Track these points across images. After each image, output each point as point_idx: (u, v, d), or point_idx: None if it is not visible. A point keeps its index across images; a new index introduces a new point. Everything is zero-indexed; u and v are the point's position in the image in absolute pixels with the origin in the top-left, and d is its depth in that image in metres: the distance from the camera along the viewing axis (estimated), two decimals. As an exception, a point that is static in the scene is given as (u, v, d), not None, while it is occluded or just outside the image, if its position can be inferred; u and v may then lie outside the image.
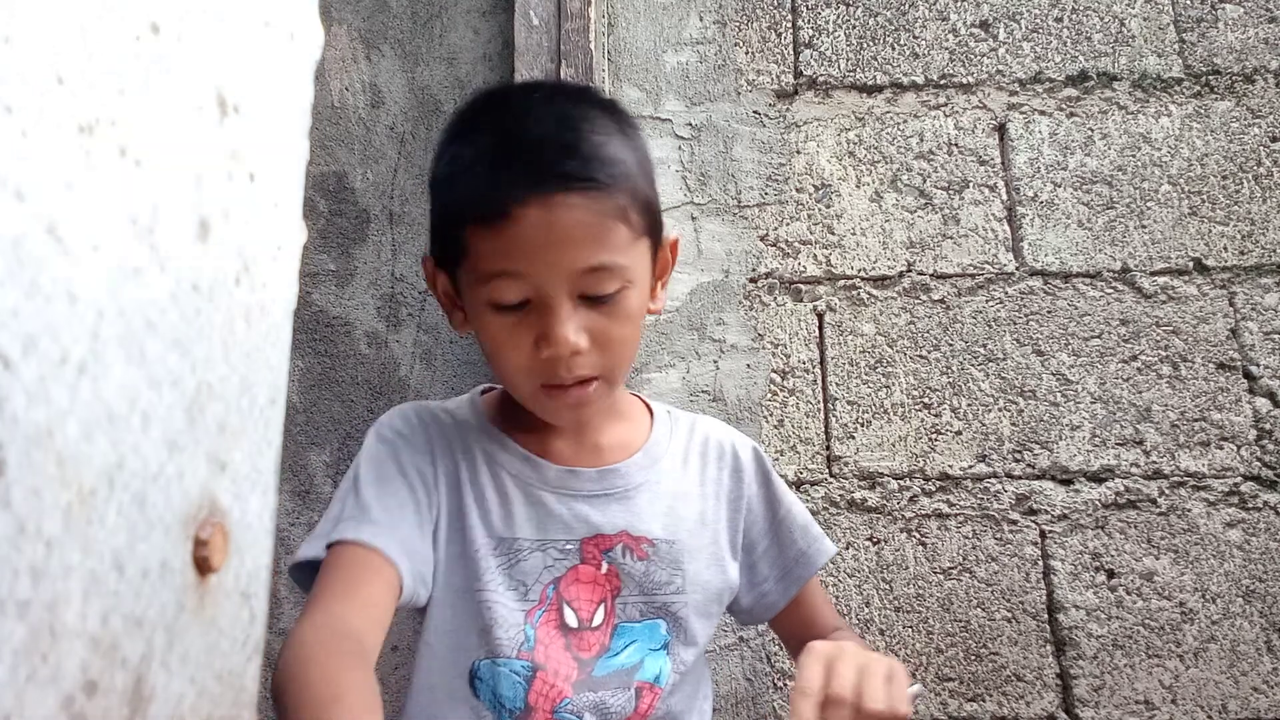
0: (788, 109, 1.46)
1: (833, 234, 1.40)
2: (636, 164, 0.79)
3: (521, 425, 0.89)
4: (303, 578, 0.80)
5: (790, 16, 1.50)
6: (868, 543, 1.28)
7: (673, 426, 0.95)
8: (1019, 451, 1.31)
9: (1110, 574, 1.26)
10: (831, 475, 1.31)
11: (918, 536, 1.28)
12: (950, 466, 1.30)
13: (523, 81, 0.87)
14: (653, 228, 0.82)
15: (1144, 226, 1.39)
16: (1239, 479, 1.29)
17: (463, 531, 0.83)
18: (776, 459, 1.31)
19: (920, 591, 1.26)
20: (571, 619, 0.83)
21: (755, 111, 1.46)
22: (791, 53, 1.48)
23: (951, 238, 1.40)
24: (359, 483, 0.81)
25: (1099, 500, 1.28)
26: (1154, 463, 1.30)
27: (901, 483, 1.30)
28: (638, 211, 0.78)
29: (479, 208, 0.74)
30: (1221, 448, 1.30)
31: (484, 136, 0.77)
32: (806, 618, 0.95)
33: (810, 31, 1.49)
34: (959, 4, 1.49)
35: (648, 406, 0.97)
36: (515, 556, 0.83)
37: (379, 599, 0.75)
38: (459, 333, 0.86)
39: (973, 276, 1.38)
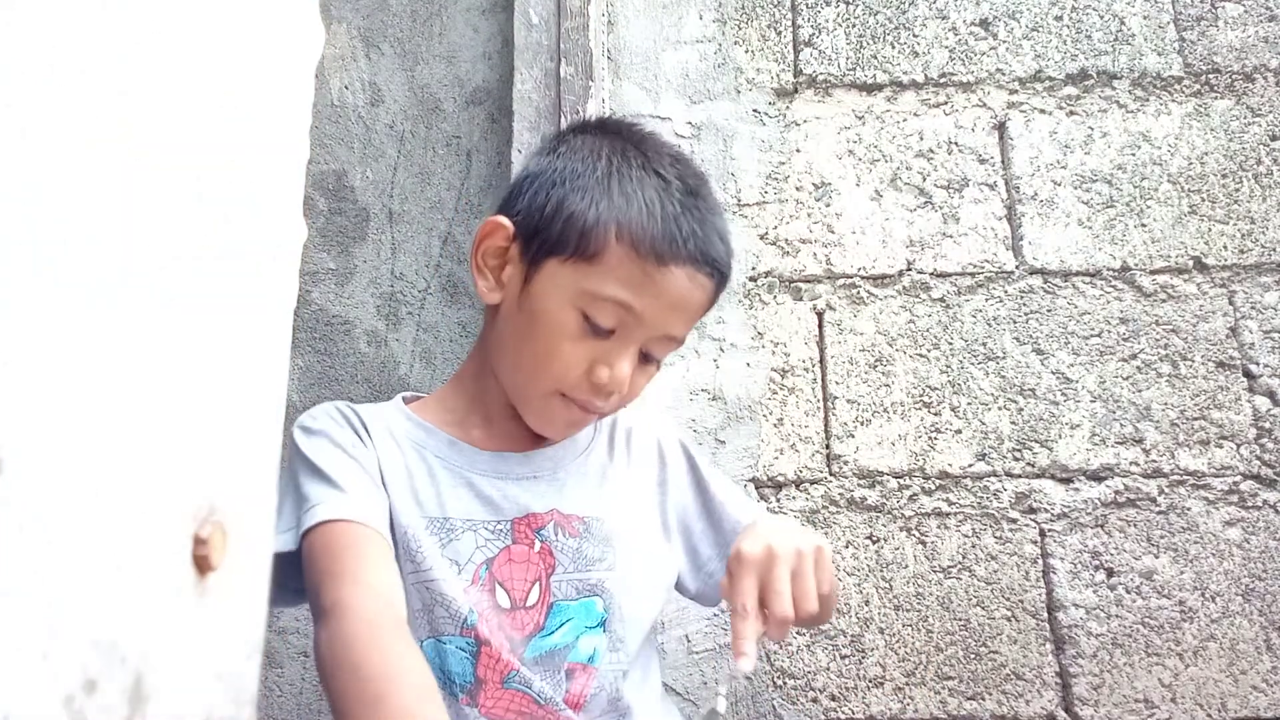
0: (787, 107, 1.46)
1: (832, 233, 1.40)
2: None
3: (446, 420, 0.92)
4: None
5: (790, 15, 1.50)
6: (867, 541, 1.28)
7: (597, 419, 0.98)
8: (1018, 450, 1.31)
9: (1110, 572, 1.26)
10: (831, 474, 1.31)
11: (917, 535, 1.28)
12: (950, 465, 1.30)
13: (640, 129, 0.95)
14: None
15: (1144, 225, 1.39)
16: (1238, 478, 1.29)
17: (391, 515, 0.84)
18: (776, 458, 1.31)
19: (920, 590, 1.26)
20: (504, 599, 0.84)
21: (755, 110, 1.46)
22: (791, 51, 1.48)
23: (951, 236, 1.40)
24: (316, 469, 0.82)
25: (1098, 499, 1.29)
26: (1153, 461, 1.30)
27: (901, 481, 1.30)
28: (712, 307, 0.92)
29: (651, 242, 0.81)
30: (1221, 446, 1.30)
31: (667, 179, 0.85)
32: None
33: (810, 30, 1.49)
34: (959, 2, 1.49)
35: None
36: (449, 535, 0.84)
37: (393, 568, 0.78)
38: (485, 299, 0.89)
39: (972, 275, 1.38)
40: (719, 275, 0.86)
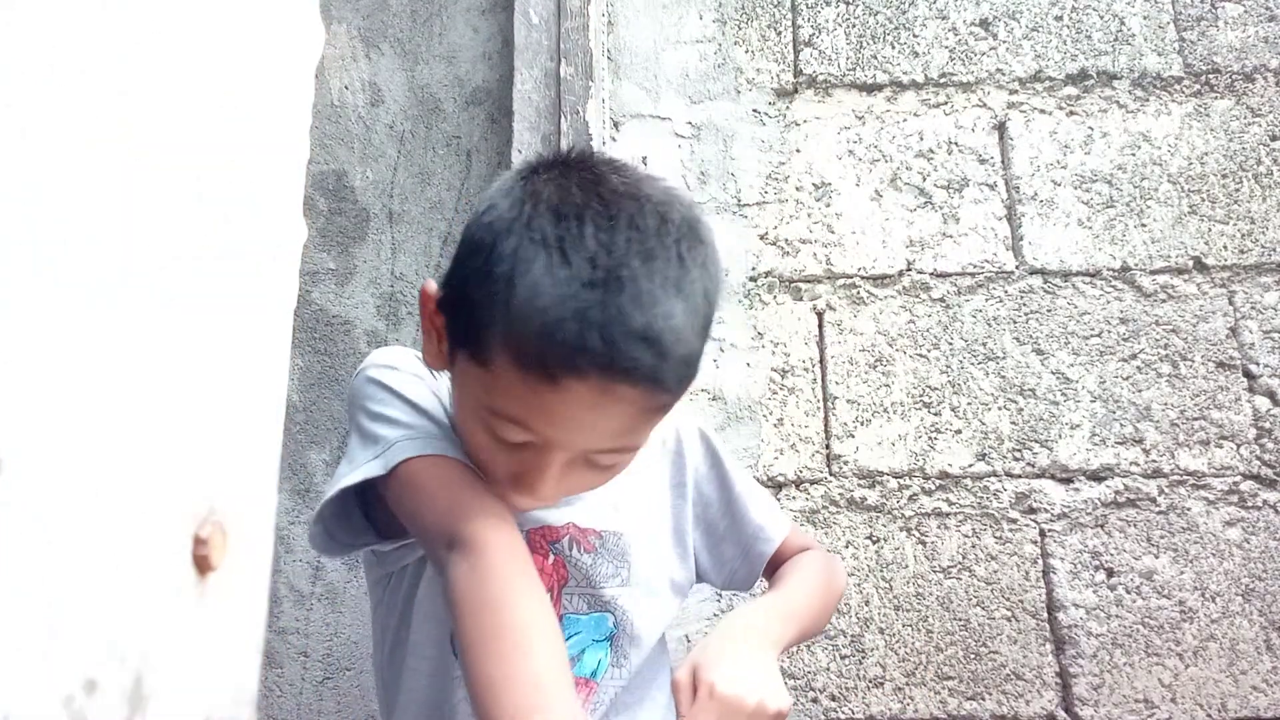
0: (788, 107, 1.46)
1: (832, 233, 1.40)
2: (703, 340, 0.70)
3: None
4: (324, 522, 0.79)
5: (790, 15, 1.50)
6: (867, 541, 1.28)
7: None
8: (1018, 450, 1.31)
9: (1110, 573, 1.26)
10: (831, 474, 1.31)
11: (917, 535, 1.28)
12: (950, 465, 1.30)
13: (610, 167, 0.71)
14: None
15: (1144, 225, 1.39)
16: (1238, 478, 1.29)
17: None
18: (776, 458, 1.31)
19: (920, 590, 1.26)
20: None
21: (755, 110, 1.46)
22: (791, 51, 1.48)
23: (951, 236, 1.40)
24: (412, 404, 0.79)
25: (1098, 499, 1.29)
26: (1153, 461, 1.30)
27: (901, 481, 1.30)
28: (680, 397, 0.71)
29: (535, 352, 0.63)
30: (1221, 446, 1.30)
31: (571, 255, 0.63)
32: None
33: (810, 30, 1.49)
34: (959, 2, 1.49)
35: None
36: None
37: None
38: (432, 367, 0.78)
39: (972, 275, 1.38)
40: (650, 381, 0.64)
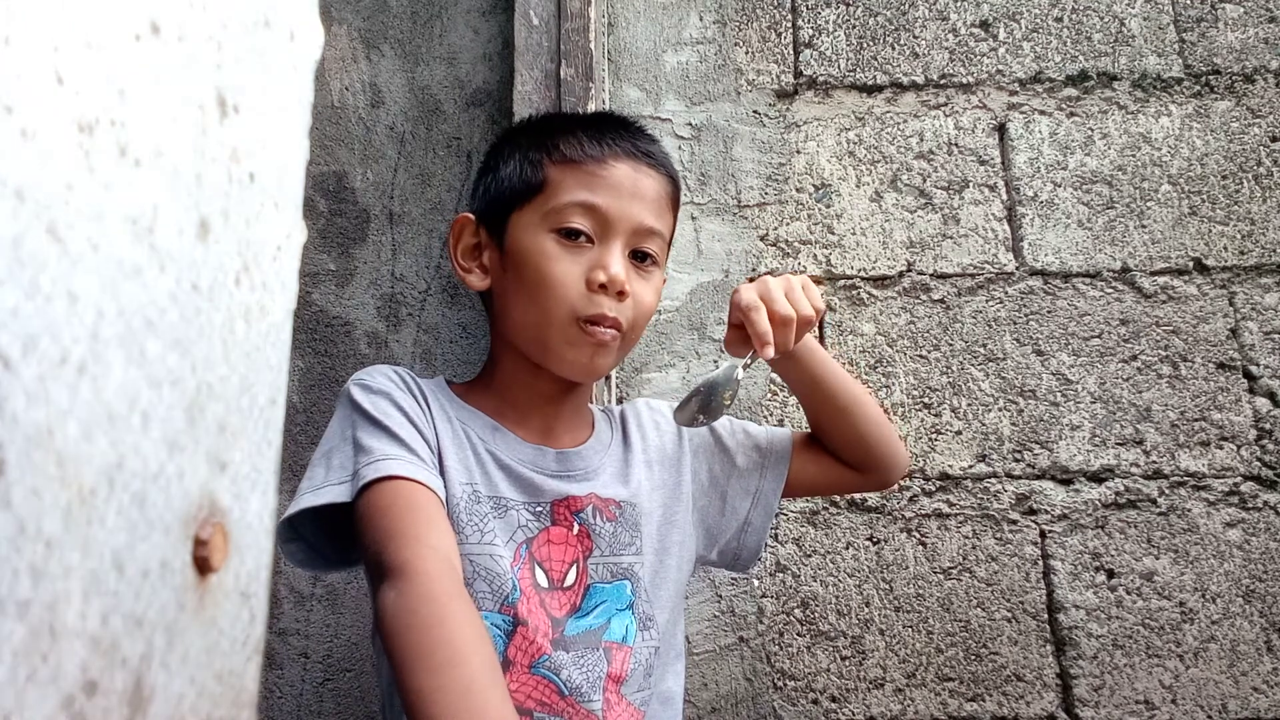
0: (788, 109, 1.46)
1: (832, 234, 1.40)
2: (678, 184, 1.00)
3: (487, 407, 0.93)
4: (292, 530, 0.83)
5: (790, 16, 1.50)
6: (868, 543, 1.28)
7: (609, 416, 1.03)
8: (1019, 451, 1.31)
9: (1110, 574, 1.26)
10: (831, 475, 1.30)
11: (918, 536, 1.28)
12: (950, 466, 1.30)
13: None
14: (671, 236, 0.99)
15: (1144, 226, 1.39)
16: (1239, 479, 1.29)
17: (445, 485, 0.85)
18: (776, 459, 1.31)
19: (920, 591, 1.26)
20: (542, 579, 0.85)
21: (755, 111, 1.46)
22: (791, 52, 1.48)
23: (951, 237, 1.40)
24: (379, 424, 0.82)
25: (1099, 500, 1.28)
26: (1154, 462, 1.30)
27: (901, 482, 1.30)
28: (675, 212, 0.97)
29: (578, 150, 0.89)
30: (1221, 447, 1.30)
31: (580, 115, 0.98)
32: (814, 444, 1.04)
33: (810, 31, 1.49)
34: (959, 4, 1.49)
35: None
36: (494, 512, 0.86)
37: (453, 535, 0.79)
38: (479, 288, 0.94)
39: (973, 276, 1.38)
40: (663, 169, 0.94)
